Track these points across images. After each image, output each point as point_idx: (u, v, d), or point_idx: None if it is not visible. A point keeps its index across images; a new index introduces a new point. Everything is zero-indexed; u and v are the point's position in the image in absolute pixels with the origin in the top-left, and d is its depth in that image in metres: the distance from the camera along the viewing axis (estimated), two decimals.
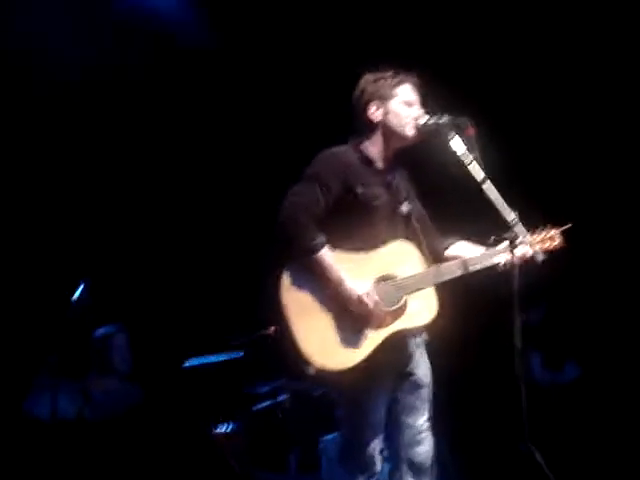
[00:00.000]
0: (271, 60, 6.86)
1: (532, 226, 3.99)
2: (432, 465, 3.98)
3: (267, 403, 5.93)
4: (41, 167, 6.66)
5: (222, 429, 5.79)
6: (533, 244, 3.92)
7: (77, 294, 5.14)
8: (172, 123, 7.00)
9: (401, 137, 3.98)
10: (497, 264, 3.90)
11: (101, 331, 5.90)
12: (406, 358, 3.93)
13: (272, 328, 5.40)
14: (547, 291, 6.87)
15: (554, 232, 4.02)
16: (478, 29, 6.74)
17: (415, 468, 3.91)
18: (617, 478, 6.18)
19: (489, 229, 3.91)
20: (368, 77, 4.03)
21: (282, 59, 6.85)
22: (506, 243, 3.79)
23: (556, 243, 4.01)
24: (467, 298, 4.45)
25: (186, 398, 6.28)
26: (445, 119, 3.87)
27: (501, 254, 3.88)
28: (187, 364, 6.04)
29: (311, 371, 3.75)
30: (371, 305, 3.72)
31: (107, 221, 6.91)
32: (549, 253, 3.96)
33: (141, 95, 6.76)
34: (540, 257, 3.76)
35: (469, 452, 6.28)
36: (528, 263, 3.80)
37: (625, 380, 6.88)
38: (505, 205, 3.72)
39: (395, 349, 3.83)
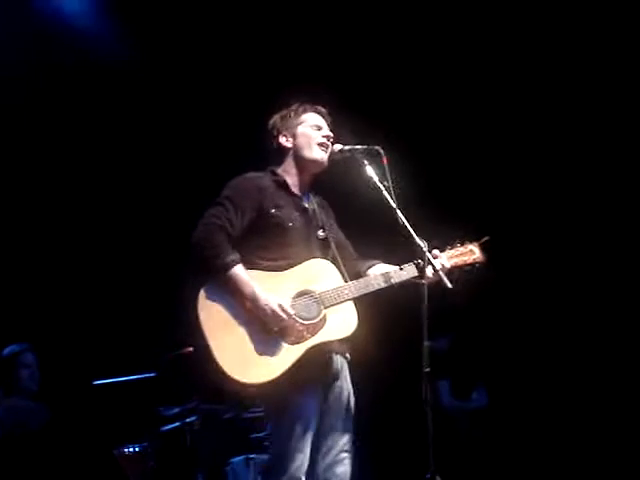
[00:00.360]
0: (186, 81, 6.90)
1: (451, 240, 4.10)
2: None
3: (176, 424, 5.89)
4: None
5: (129, 449, 5.72)
6: (452, 257, 4.03)
7: None
8: (81, 138, 6.95)
9: (311, 160, 4.06)
10: (417, 277, 3.90)
11: (9, 349, 5.82)
12: (332, 374, 3.94)
13: (189, 348, 5.36)
14: (454, 319, 6.98)
15: (473, 246, 4.12)
16: (384, 55, 6.88)
17: None
18: None
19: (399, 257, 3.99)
20: (276, 115, 4.15)
21: (196, 78, 6.89)
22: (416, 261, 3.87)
23: (476, 256, 4.10)
24: (380, 322, 4.49)
25: (94, 416, 6.21)
26: (360, 147, 3.98)
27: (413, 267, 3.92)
28: (97, 382, 5.98)
29: (232, 388, 3.74)
30: (285, 317, 3.74)
31: (15, 236, 6.81)
32: (470, 267, 4.06)
33: (54, 105, 6.70)
34: (448, 284, 3.80)
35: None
36: (439, 284, 3.82)
37: (533, 408, 7.02)
38: (414, 234, 3.78)
39: (319, 364, 3.85)
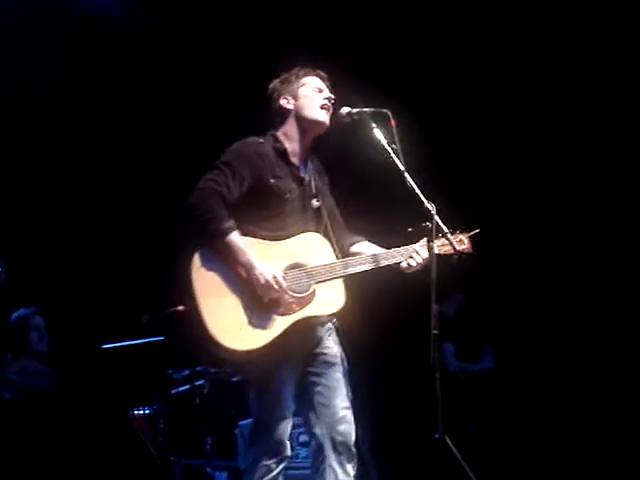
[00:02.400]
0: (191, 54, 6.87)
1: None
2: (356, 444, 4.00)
3: (185, 387, 5.94)
4: None
5: (140, 412, 5.78)
6: (443, 245, 4.02)
7: None
8: (88, 104, 6.95)
9: (313, 121, 4.06)
10: (402, 263, 3.98)
11: (17, 313, 5.87)
12: (314, 341, 3.98)
13: (180, 307, 5.38)
14: (463, 284, 6.99)
15: (463, 236, 4.13)
16: (399, 21, 6.83)
17: (338, 447, 3.92)
18: (529, 467, 6.31)
19: (407, 221, 4.00)
20: (276, 80, 4.15)
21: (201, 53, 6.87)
22: (416, 245, 3.95)
23: (465, 247, 4.12)
24: (385, 286, 4.51)
25: (104, 380, 6.27)
26: (368, 109, 3.96)
27: (411, 253, 3.98)
28: (106, 346, 6.02)
29: (219, 352, 3.78)
30: (278, 289, 3.77)
31: (20, 202, 6.83)
32: (458, 255, 4.05)
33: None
34: (456, 246, 3.85)
35: (385, 441, 6.36)
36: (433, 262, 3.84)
37: (539, 371, 7.03)
38: (423, 196, 3.79)
39: (303, 334, 3.89)
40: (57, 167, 6.97)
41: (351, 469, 3.95)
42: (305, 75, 4.10)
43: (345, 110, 4.02)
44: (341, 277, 3.93)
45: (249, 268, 3.78)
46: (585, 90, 6.88)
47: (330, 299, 3.90)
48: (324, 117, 4.04)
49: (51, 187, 6.96)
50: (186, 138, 6.98)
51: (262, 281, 3.76)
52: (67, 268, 6.94)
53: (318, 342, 3.99)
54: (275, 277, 3.77)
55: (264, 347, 3.75)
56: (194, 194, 3.83)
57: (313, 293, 3.86)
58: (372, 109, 3.96)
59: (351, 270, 3.93)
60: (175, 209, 3.94)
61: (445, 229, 3.85)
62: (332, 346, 4.02)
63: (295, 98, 4.06)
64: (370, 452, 5.65)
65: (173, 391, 5.99)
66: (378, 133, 3.91)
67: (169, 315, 5.54)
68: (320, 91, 4.08)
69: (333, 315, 3.98)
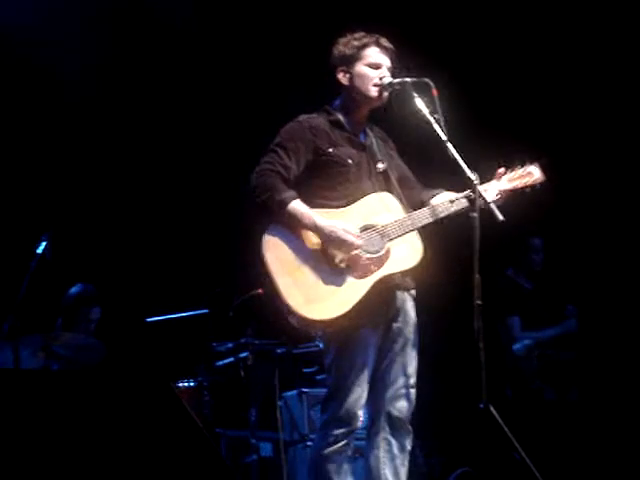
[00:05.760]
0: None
1: (510, 163, 4.07)
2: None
3: (230, 360, 5.97)
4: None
5: (185, 384, 5.83)
6: (513, 180, 4.02)
7: (41, 247, 5.15)
8: (143, 96, 6.97)
9: (366, 98, 4.05)
10: (464, 209, 3.94)
11: (78, 289, 6.05)
12: (394, 310, 3.97)
13: (259, 290, 5.39)
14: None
15: (532, 167, 4.09)
16: None
17: (393, 423, 3.94)
18: (580, 440, 6.14)
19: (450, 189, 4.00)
20: (337, 42, 4.12)
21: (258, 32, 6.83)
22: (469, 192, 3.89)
23: (536, 177, 4.08)
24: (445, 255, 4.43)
25: (150, 353, 6.32)
26: (409, 79, 3.95)
27: (465, 199, 3.94)
28: (150, 319, 6.08)
29: (299, 323, 3.80)
30: (353, 240, 3.77)
31: (72, 176, 6.87)
32: (531, 188, 4.04)
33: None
34: (499, 216, 3.73)
35: (429, 411, 6.34)
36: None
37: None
38: (466, 166, 3.77)
39: (383, 299, 3.89)
40: (107, 145, 7.00)
41: (407, 444, 3.99)
42: (364, 47, 4.05)
43: (387, 80, 4.00)
44: (413, 230, 3.90)
45: (318, 229, 3.79)
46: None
47: (407, 254, 3.89)
48: (375, 94, 4.02)
49: (100, 163, 6.97)
50: (246, 119, 6.94)
51: (334, 237, 3.77)
52: (114, 244, 6.99)
53: (397, 314, 3.98)
54: (346, 229, 3.77)
55: (347, 313, 3.75)
56: (251, 180, 3.87)
57: (388, 251, 3.85)
58: (414, 79, 3.94)
59: (423, 221, 3.91)
60: (238, 196, 3.98)
61: (488, 198, 3.82)
62: (409, 322, 4.02)
63: (351, 74, 4.05)
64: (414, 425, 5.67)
65: (217, 363, 6.02)
66: (420, 103, 3.89)
67: (249, 299, 5.56)
68: (377, 67, 4.03)
69: (412, 271, 3.93)
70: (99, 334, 5.95)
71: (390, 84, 3.99)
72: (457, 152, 3.77)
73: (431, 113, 3.85)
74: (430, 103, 3.86)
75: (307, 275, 3.79)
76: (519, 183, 4.04)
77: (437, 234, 4.03)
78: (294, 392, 5.86)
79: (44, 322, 5.87)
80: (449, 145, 3.79)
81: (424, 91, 3.89)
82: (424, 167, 4.39)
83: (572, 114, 6.93)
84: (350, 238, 3.77)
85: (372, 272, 3.82)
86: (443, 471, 6.08)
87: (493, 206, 3.77)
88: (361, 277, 3.81)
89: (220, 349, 6.00)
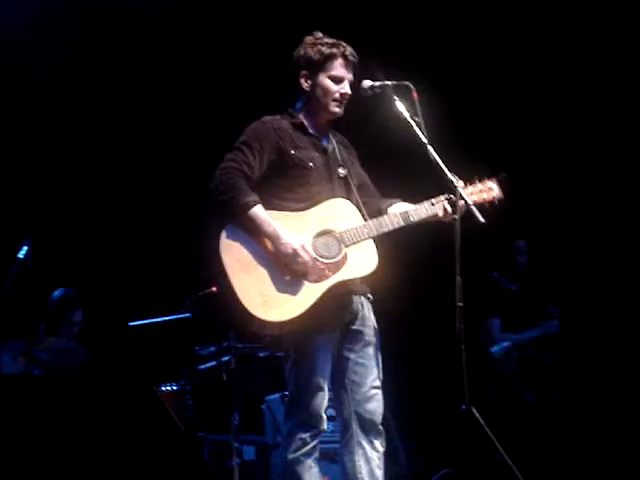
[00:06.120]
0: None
1: (469, 177, 4.08)
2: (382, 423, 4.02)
3: (212, 363, 5.97)
4: None
5: (167, 388, 5.82)
6: (472, 194, 4.01)
7: (22, 252, 5.14)
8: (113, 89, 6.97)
9: (324, 111, 4.07)
10: (435, 215, 3.98)
11: (60, 293, 6.07)
12: (351, 314, 3.98)
13: (212, 288, 5.43)
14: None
15: (491, 183, 4.12)
16: None
17: (366, 426, 3.95)
18: (561, 440, 6.14)
19: (429, 192, 4.01)
20: (307, 40, 4.09)
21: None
22: (443, 196, 3.92)
23: (495, 194, 4.10)
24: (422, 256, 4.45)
25: (132, 357, 6.31)
26: (390, 82, 3.96)
27: (439, 205, 3.97)
28: (133, 323, 6.07)
29: (254, 326, 3.81)
30: (307, 258, 3.79)
31: (52, 181, 6.87)
32: (490, 204, 4.06)
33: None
34: (480, 218, 3.74)
35: (410, 412, 6.35)
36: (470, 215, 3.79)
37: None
38: (446, 169, 3.79)
39: (339, 304, 3.90)
40: (85, 150, 6.99)
41: (379, 445, 3.98)
42: (330, 58, 4.01)
43: (367, 83, 4.01)
44: (370, 238, 3.92)
45: (275, 238, 3.80)
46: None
47: (363, 261, 3.90)
48: (334, 110, 4.04)
49: (80, 168, 6.97)
50: (209, 121, 6.96)
51: (290, 250, 3.78)
52: (96, 248, 6.98)
53: (354, 317, 3.99)
54: (302, 245, 3.79)
55: (301, 316, 3.77)
56: (214, 176, 3.87)
57: (345, 257, 3.87)
58: (394, 82, 3.95)
59: (380, 230, 3.92)
60: (199, 193, 3.97)
61: (469, 201, 3.83)
62: (368, 324, 4.02)
63: (313, 82, 4.03)
64: (397, 428, 5.69)
65: (200, 367, 6.02)
66: (400, 106, 3.91)
67: (203, 297, 5.57)
68: (340, 81, 4.01)
69: (368, 282, 3.97)
70: (81, 338, 5.95)
71: (371, 87, 3.99)
72: (437, 155, 3.79)
73: (411, 116, 3.87)
74: (410, 106, 3.88)
75: (262, 277, 3.80)
76: (477, 198, 4.03)
77: (422, 235, 4.05)
78: (277, 395, 5.86)
79: (26, 327, 5.86)
80: (429, 148, 3.81)
81: (404, 94, 3.91)
82: (402, 170, 4.40)
83: (551, 119, 6.99)
84: (304, 255, 3.78)
85: (327, 277, 3.83)
86: (425, 472, 6.09)
87: (474, 208, 3.78)
88: (316, 281, 3.82)
89: (202, 353, 5.99)
